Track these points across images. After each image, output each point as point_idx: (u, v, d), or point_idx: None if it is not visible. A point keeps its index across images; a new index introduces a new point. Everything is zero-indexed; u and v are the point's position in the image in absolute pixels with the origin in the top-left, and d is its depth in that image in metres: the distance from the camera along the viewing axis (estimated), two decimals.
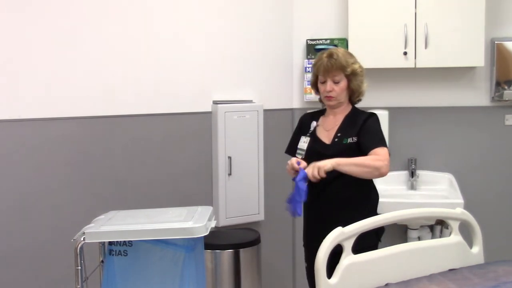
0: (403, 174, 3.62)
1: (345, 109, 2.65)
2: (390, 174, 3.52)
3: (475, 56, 3.33)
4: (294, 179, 2.43)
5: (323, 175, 2.37)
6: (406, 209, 2.17)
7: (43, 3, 2.82)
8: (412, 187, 3.58)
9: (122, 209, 2.65)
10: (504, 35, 3.51)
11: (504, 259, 2.27)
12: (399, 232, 3.49)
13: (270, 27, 3.59)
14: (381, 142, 2.52)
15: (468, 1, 3.32)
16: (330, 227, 2.03)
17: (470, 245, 2.24)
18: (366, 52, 3.23)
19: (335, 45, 3.48)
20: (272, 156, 3.49)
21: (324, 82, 2.60)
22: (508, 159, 3.58)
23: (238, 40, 3.46)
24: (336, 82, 2.57)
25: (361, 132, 2.54)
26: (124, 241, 2.31)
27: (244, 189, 3.42)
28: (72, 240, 2.25)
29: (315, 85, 2.70)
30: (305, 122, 2.74)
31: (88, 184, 2.98)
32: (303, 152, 2.62)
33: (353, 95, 2.64)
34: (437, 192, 3.49)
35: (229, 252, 3.07)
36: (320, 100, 2.73)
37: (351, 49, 3.35)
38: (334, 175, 2.44)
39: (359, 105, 2.72)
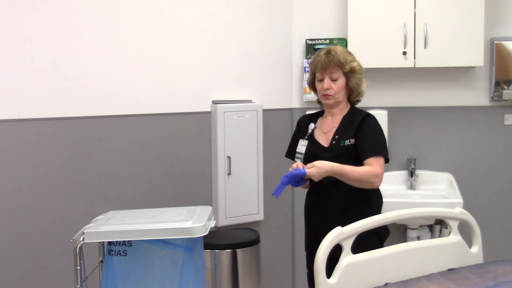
0: (403, 174, 3.62)
1: (343, 110, 2.60)
2: (390, 174, 3.57)
3: (474, 56, 3.33)
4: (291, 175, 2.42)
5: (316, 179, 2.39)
6: (405, 208, 2.17)
7: (44, 3, 2.83)
8: (412, 186, 3.58)
9: (122, 209, 2.65)
10: (504, 34, 3.51)
11: (503, 258, 2.27)
12: (399, 232, 3.49)
13: (269, 27, 3.59)
14: (378, 150, 2.47)
15: (467, 1, 3.32)
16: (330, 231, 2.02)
17: (469, 244, 2.24)
18: (366, 52, 3.23)
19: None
20: (272, 156, 3.49)
21: (321, 80, 2.55)
22: (507, 159, 3.58)
23: (238, 40, 3.46)
24: (334, 80, 2.52)
25: (358, 135, 2.49)
26: (124, 241, 2.32)
27: (243, 189, 3.42)
28: (72, 240, 2.26)
29: (312, 84, 2.64)
30: (303, 125, 2.70)
31: (87, 184, 2.98)
32: (302, 156, 2.59)
33: (352, 94, 2.58)
34: (436, 192, 3.49)
35: (228, 252, 3.07)
36: (318, 102, 2.70)
37: (350, 49, 3.34)
38: (333, 180, 2.44)
39: (359, 105, 2.68)
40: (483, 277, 1.96)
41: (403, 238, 3.49)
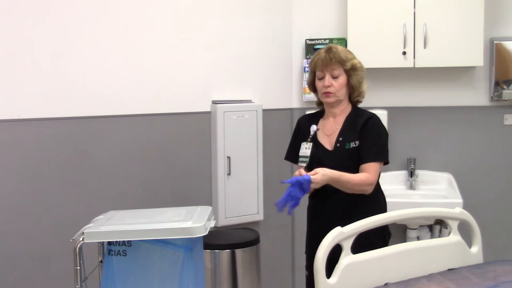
0: (402, 174, 3.62)
1: (345, 110, 2.55)
2: (390, 174, 3.57)
3: (474, 56, 3.33)
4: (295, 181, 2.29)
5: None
6: (405, 208, 2.17)
7: (43, 3, 2.83)
8: (411, 186, 3.58)
9: (122, 209, 2.65)
10: (503, 34, 3.51)
11: (503, 258, 2.27)
12: (398, 231, 3.49)
13: (269, 27, 3.59)
14: (377, 155, 2.44)
15: (467, 1, 3.32)
16: None
17: (469, 244, 2.24)
18: (365, 52, 3.22)
19: None
20: (271, 156, 3.49)
21: (322, 78, 2.50)
22: (507, 159, 3.58)
23: (237, 40, 3.46)
24: (334, 77, 2.47)
25: (361, 137, 2.45)
26: (123, 241, 2.32)
27: (243, 189, 3.42)
28: (71, 240, 2.25)
29: (312, 84, 2.59)
30: (303, 126, 2.62)
31: (87, 184, 2.98)
32: (307, 160, 2.50)
33: (353, 93, 2.53)
34: (436, 192, 3.49)
35: (228, 252, 3.07)
36: (318, 104, 2.64)
37: (350, 48, 3.32)
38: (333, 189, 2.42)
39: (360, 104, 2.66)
40: (483, 277, 1.96)
41: (403, 238, 3.49)
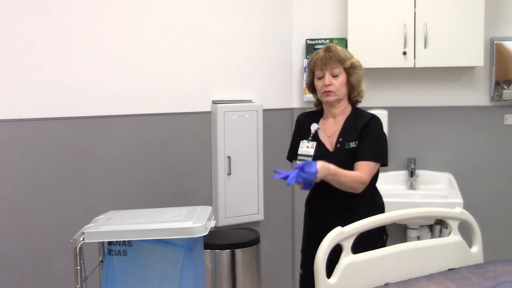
0: (403, 174, 3.62)
1: (345, 111, 2.54)
2: (390, 174, 3.57)
3: (474, 55, 3.33)
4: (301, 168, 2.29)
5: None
6: (405, 208, 2.17)
7: (43, 3, 2.83)
8: (412, 186, 3.58)
9: (122, 209, 2.65)
10: (503, 34, 3.51)
11: (503, 258, 2.27)
12: (399, 231, 3.49)
13: (269, 27, 3.59)
14: (373, 155, 2.43)
15: (467, 1, 3.32)
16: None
17: (470, 244, 2.24)
18: (366, 52, 3.23)
19: None
20: (272, 156, 3.49)
21: (321, 77, 2.48)
22: (507, 159, 3.58)
23: (238, 40, 3.46)
24: (334, 76, 2.46)
25: (361, 137, 2.45)
26: (124, 241, 2.32)
27: (243, 189, 3.42)
28: (72, 240, 2.25)
29: (311, 85, 2.57)
30: (303, 124, 2.60)
31: (87, 184, 2.98)
32: (309, 159, 2.47)
33: (353, 92, 2.52)
34: (436, 192, 3.49)
35: (228, 252, 3.07)
36: (316, 105, 2.63)
37: (350, 48, 3.35)
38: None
39: (359, 105, 2.64)
40: (483, 277, 1.96)
41: (403, 238, 3.49)
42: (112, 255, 2.33)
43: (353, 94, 2.54)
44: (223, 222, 3.37)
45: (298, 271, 2.93)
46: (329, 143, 2.51)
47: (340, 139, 2.49)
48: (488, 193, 3.59)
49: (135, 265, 2.33)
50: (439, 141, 3.63)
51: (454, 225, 2.22)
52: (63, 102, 2.89)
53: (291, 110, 3.70)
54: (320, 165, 2.30)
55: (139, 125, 3.14)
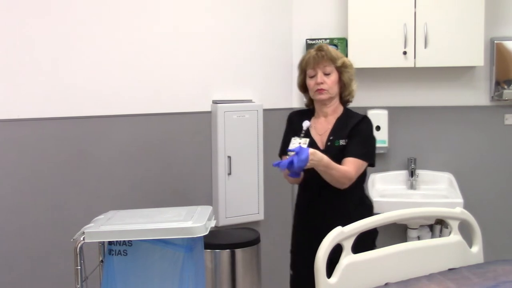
0: (403, 174, 3.62)
1: (337, 110, 2.58)
2: (390, 173, 3.57)
3: (474, 55, 3.33)
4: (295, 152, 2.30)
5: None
6: (405, 208, 2.17)
7: (43, 3, 2.82)
8: (412, 186, 3.58)
9: (122, 209, 2.65)
10: (504, 34, 3.51)
11: (503, 258, 2.26)
12: (399, 231, 3.49)
13: (269, 27, 3.59)
14: (362, 154, 2.46)
15: (467, 1, 3.32)
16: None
17: (470, 244, 2.24)
18: (366, 52, 3.23)
19: (335, 45, 3.48)
20: (272, 156, 3.47)
21: (313, 76, 2.52)
22: (507, 159, 3.58)
23: (238, 40, 3.46)
24: (326, 74, 2.51)
25: (351, 135, 2.49)
26: (124, 241, 2.31)
27: (243, 188, 3.42)
28: (72, 240, 2.25)
29: (302, 85, 2.61)
30: (294, 121, 2.62)
31: (87, 184, 2.98)
32: None
33: (344, 91, 2.56)
34: (436, 192, 3.49)
35: (228, 251, 3.07)
36: (307, 105, 2.66)
37: (350, 48, 3.36)
38: (325, 183, 2.43)
39: (354, 106, 2.67)
40: (483, 277, 1.96)
41: (403, 238, 3.49)
42: (112, 255, 2.33)
43: (344, 93, 2.58)
44: (223, 222, 3.37)
45: None
46: (320, 141, 2.55)
47: (331, 137, 2.53)
48: (488, 193, 3.59)
49: (135, 265, 2.33)
50: (439, 141, 3.63)
51: (454, 225, 2.22)
52: (62, 102, 2.89)
53: (291, 110, 3.69)
54: (312, 151, 2.31)
55: (139, 125, 3.14)
